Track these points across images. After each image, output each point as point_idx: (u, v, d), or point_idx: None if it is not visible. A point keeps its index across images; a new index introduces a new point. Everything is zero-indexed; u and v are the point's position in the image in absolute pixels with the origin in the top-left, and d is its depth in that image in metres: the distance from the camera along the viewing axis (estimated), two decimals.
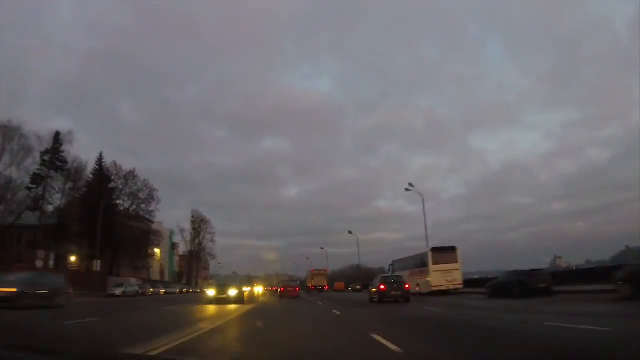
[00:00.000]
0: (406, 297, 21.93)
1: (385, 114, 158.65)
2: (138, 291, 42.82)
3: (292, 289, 36.61)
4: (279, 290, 42.38)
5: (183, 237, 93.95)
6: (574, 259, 75.47)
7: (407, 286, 22.67)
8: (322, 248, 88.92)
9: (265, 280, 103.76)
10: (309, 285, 60.28)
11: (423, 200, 39.95)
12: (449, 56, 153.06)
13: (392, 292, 22.07)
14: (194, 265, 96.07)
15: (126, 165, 59.62)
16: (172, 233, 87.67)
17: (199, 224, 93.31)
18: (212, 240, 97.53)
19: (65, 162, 46.96)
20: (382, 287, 22.32)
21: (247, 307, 19.07)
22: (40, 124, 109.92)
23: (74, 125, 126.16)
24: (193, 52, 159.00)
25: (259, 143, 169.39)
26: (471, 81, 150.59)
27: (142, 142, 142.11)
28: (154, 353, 5.43)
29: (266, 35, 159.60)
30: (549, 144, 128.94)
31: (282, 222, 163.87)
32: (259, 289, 71.32)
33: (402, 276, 24.55)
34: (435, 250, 30.57)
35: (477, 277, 39.76)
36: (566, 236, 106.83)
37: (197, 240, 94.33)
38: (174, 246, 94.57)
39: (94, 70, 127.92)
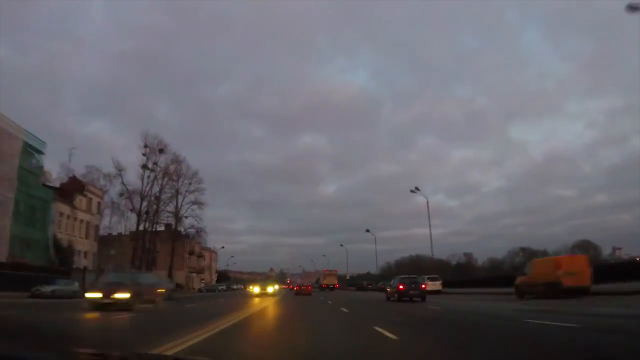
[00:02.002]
0: (422, 296, 23.60)
1: (423, 106, 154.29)
2: None
3: (305, 287, 43.92)
4: (295, 288, 49.59)
5: (124, 184, 52.58)
6: (633, 251, 63.41)
7: (423, 286, 24.60)
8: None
9: (305, 278, 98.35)
10: (321, 284, 67.25)
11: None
12: (487, 44, 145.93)
13: (410, 292, 23.60)
14: (150, 248, 56.36)
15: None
16: (32, 141, 37.31)
17: (156, 162, 54.27)
18: (199, 203, 58.55)
19: None
20: (400, 286, 23.93)
21: None
22: (77, 127, 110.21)
23: (111, 127, 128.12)
24: (226, 49, 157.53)
25: (296, 139, 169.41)
26: (510, 69, 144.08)
27: (178, 142, 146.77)
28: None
29: (299, 29, 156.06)
30: (592, 133, 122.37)
31: (321, 219, 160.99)
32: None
33: (418, 277, 26.40)
34: None
35: None
36: (611, 228, 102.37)
37: (159, 195, 56.05)
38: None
39: (128, 71, 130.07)
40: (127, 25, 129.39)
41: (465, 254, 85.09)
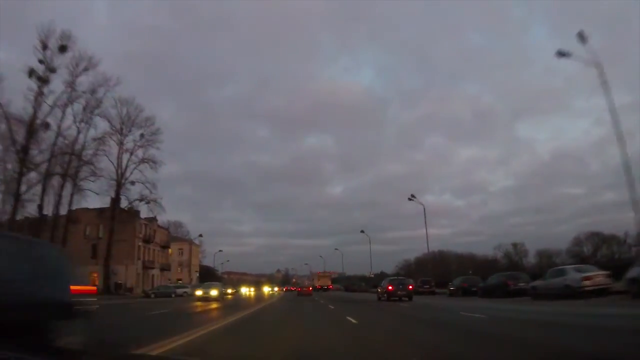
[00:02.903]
0: (410, 296, 25.50)
1: (429, 105, 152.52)
2: None
3: (307, 289, 48.47)
4: (297, 290, 54.81)
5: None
6: None
7: (410, 287, 26.25)
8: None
9: (317, 279, 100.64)
10: (316, 285, 72.26)
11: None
12: (493, 41, 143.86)
13: (398, 292, 25.75)
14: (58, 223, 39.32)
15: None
16: None
17: (54, 69, 36.08)
18: (150, 161, 43.43)
19: None
20: (389, 287, 26.21)
21: None
22: (83, 130, 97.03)
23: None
24: (230, 50, 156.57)
25: (301, 140, 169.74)
26: (517, 67, 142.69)
27: (184, 144, 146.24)
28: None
29: (302, 28, 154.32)
30: (600, 130, 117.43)
31: (328, 220, 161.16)
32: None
33: (406, 278, 27.45)
34: None
35: None
36: (618, 227, 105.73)
37: (77, 135, 38.81)
38: None
39: (132, 73, 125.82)
40: (130, 27, 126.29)
41: (514, 244, 70.83)
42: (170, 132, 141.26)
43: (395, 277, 29.90)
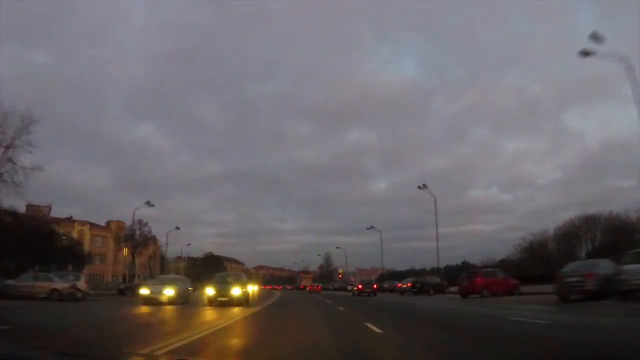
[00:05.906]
0: (374, 292, 34.97)
1: (474, 95, 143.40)
2: None
3: (315, 287, 56.70)
4: (307, 288, 62.33)
5: None
6: None
7: (375, 286, 36.49)
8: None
9: (360, 275, 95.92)
10: (299, 285, 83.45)
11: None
12: (539, 27, 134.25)
13: (366, 290, 35.12)
14: None
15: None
16: None
17: None
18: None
19: None
20: (359, 286, 36.28)
21: None
22: (124, 132, 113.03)
23: (157, 130, 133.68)
24: (268, 45, 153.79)
25: (343, 135, 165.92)
26: (564, 53, 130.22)
27: (225, 142, 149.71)
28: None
29: (341, 20, 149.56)
30: None
31: (372, 217, 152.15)
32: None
33: (372, 280, 38.96)
34: None
35: None
36: None
37: None
38: None
39: (171, 72, 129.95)
40: (167, 25, 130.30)
41: None
42: (212, 131, 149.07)
43: (364, 279, 41.13)
